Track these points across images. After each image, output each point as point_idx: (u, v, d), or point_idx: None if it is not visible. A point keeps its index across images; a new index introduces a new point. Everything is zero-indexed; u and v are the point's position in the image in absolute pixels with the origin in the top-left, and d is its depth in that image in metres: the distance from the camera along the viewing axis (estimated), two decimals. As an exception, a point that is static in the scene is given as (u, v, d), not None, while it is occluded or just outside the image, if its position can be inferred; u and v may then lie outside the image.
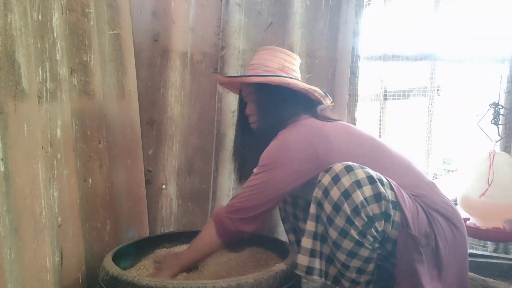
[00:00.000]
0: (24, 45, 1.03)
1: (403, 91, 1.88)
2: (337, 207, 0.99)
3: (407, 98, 1.89)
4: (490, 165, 1.61)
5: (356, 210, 0.98)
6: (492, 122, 1.71)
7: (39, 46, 1.12)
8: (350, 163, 1.02)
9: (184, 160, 1.70)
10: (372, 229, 0.99)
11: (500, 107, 1.71)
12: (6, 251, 0.97)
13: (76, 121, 1.31)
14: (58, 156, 1.19)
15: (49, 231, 1.10)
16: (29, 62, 1.04)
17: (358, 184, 0.98)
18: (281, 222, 1.67)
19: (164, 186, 1.64)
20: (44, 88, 1.15)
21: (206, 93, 1.70)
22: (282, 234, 1.67)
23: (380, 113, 1.86)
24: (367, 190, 0.98)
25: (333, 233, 1.01)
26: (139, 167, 1.59)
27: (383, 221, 1.00)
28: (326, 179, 1.01)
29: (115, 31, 1.50)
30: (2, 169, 0.98)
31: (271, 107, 1.28)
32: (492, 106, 1.71)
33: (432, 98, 1.86)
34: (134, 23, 1.60)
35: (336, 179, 1.00)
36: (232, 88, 1.50)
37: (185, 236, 1.56)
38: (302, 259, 1.05)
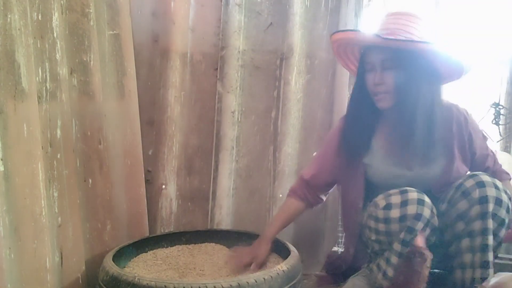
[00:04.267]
0: (24, 45, 1.03)
1: (403, 91, 1.87)
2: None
3: (407, 98, 1.88)
4: (491, 165, 1.61)
5: None
6: (493, 122, 1.71)
7: (39, 46, 1.12)
8: None
9: (184, 160, 1.70)
10: None
11: (501, 107, 1.71)
12: (6, 251, 0.97)
13: (76, 122, 1.31)
14: (58, 156, 1.19)
15: (49, 231, 1.10)
16: (29, 62, 1.04)
17: None
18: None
19: (164, 186, 1.64)
20: (44, 88, 1.15)
21: (206, 93, 1.70)
22: (282, 235, 1.67)
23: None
24: None
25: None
26: (139, 167, 1.59)
27: None
28: (490, 189, 1.10)
29: (115, 31, 1.50)
30: (2, 169, 0.98)
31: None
32: (493, 106, 1.71)
33: (432, 98, 1.85)
34: (134, 24, 1.60)
35: (501, 187, 1.12)
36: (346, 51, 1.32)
37: (185, 236, 1.56)
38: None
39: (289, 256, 1.23)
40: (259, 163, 1.70)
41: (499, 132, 1.73)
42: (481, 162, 1.32)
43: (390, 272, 1.11)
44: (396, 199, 1.11)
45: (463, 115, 1.29)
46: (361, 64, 1.26)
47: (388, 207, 1.11)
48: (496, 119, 1.71)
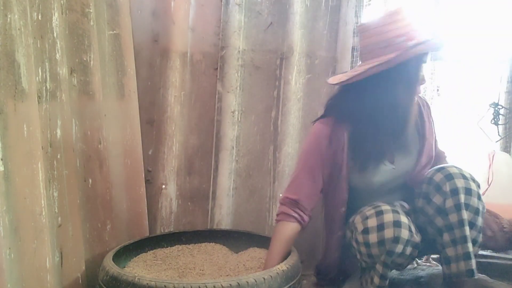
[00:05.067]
0: (24, 45, 1.03)
1: (403, 91, 1.87)
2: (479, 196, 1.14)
3: (407, 98, 1.88)
4: (490, 165, 1.61)
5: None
6: (492, 122, 1.71)
7: (39, 46, 1.12)
8: None
9: (184, 160, 1.70)
10: None
11: (500, 107, 1.71)
12: (6, 251, 0.97)
13: (76, 121, 1.31)
14: (58, 156, 1.19)
15: (49, 231, 1.10)
16: (29, 62, 1.04)
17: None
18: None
19: (164, 186, 1.64)
20: (44, 88, 1.15)
21: (206, 93, 1.70)
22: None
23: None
24: None
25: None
26: (139, 167, 1.59)
27: None
28: (459, 180, 1.12)
29: (115, 31, 1.50)
30: (2, 169, 0.98)
31: None
32: (492, 106, 1.71)
33: (432, 98, 1.86)
34: (134, 23, 1.60)
35: (468, 176, 1.16)
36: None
37: (185, 236, 1.56)
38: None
39: (289, 256, 1.23)
40: (259, 163, 1.70)
41: (498, 132, 1.73)
42: (435, 144, 1.39)
43: None
44: (372, 222, 1.11)
45: (424, 100, 1.39)
46: (415, 58, 1.18)
47: (366, 231, 1.12)
48: (495, 119, 1.71)
